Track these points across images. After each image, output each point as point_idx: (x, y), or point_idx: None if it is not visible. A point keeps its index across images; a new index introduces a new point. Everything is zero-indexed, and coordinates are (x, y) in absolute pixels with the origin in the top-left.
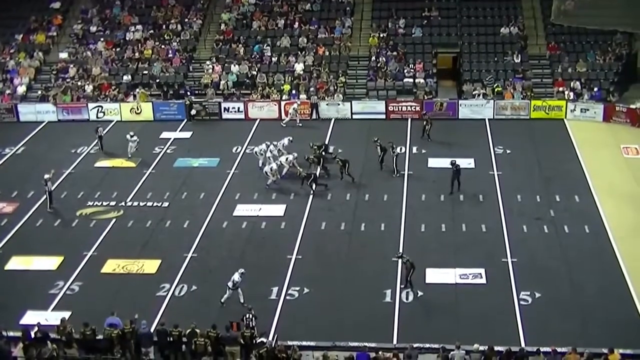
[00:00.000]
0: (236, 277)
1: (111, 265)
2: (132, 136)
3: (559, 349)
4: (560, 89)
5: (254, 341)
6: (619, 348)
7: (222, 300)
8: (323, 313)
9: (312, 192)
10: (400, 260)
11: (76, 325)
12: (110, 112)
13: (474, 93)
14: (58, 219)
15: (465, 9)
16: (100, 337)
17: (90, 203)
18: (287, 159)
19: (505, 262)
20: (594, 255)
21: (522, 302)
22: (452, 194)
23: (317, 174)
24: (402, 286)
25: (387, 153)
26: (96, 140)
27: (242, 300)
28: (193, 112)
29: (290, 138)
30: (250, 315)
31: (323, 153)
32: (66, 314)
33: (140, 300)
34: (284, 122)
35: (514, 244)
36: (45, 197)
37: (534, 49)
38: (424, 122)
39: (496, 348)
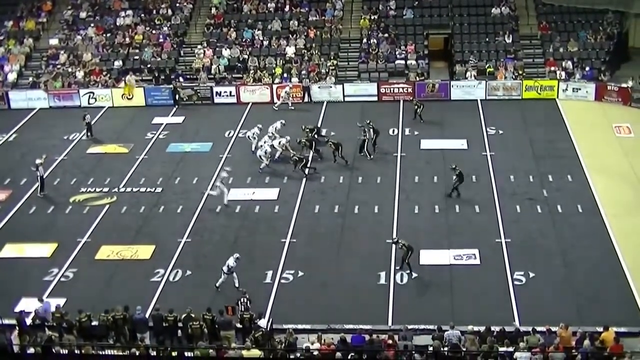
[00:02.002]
0: (231, 261)
1: (105, 252)
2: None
3: (553, 328)
4: (552, 68)
5: (252, 324)
6: (613, 326)
7: (217, 285)
8: (317, 296)
9: (305, 176)
10: (395, 246)
11: (71, 312)
12: (102, 98)
13: (467, 75)
14: (51, 205)
15: None
16: (95, 323)
17: (83, 189)
18: (279, 142)
19: (499, 243)
20: (587, 234)
21: (516, 282)
22: (450, 197)
23: (310, 157)
24: (398, 268)
25: (378, 135)
26: (85, 128)
27: (236, 285)
28: (178, 97)
29: (283, 121)
30: (245, 299)
31: (315, 136)
32: (61, 301)
33: (135, 286)
34: (276, 105)
35: (507, 224)
36: (37, 183)
37: (526, 29)
38: (415, 106)
39: (491, 328)
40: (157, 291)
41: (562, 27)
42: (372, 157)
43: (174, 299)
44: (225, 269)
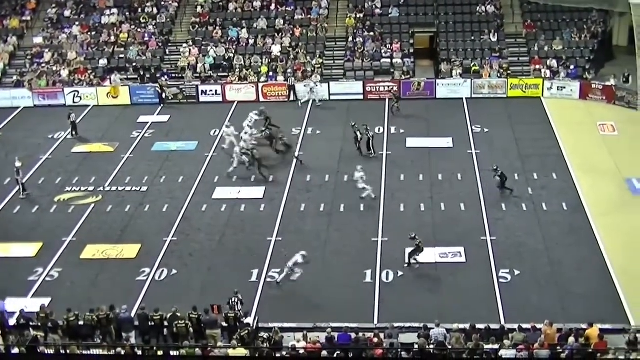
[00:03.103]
0: (299, 258)
1: (91, 251)
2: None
3: (538, 326)
4: (537, 67)
5: (238, 323)
6: (598, 323)
7: (279, 281)
8: (303, 294)
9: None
10: (414, 242)
11: (56, 312)
12: (87, 96)
13: (452, 73)
14: (36, 205)
15: None
16: (81, 323)
17: (68, 189)
18: (250, 134)
19: (484, 241)
20: (572, 232)
21: (501, 280)
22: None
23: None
24: (407, 265)
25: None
26: (70, 127)
27: (279, 280)
28: (164, 95)
29: (257, 112)
30: (236, 299)
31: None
32: (46, 301)
33: (121, 285)
34: (301, 102)
35: (492, 222)
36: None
37: (511, 27)
38: (392, 99)
39: (476, 326)
40: (142, 290)
41: (547, 25)
42: (374, 154)
43: (160, 298)
44: (290, 264)
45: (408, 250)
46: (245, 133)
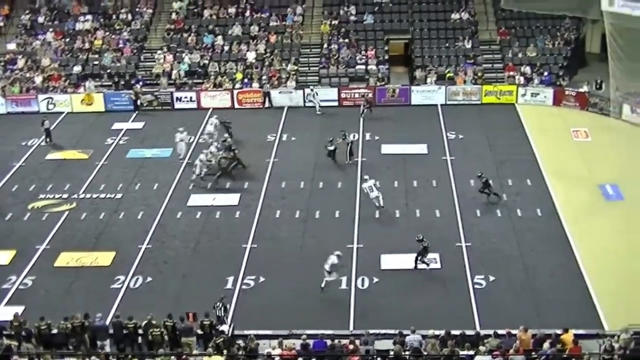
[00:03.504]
0: (334, 259)
1: (65, 259)
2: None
3: (513, 331)
4: (511, 73)
5: (213, 331)
6: (572, 328)
7: (322, 286)
8: (279, 301)
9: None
10: (421, 244)
11: (30, 320)
12: (61, 103)
13: (427, 80)
14: (9, 212)
15: None
16: (55, 331)
17: (42, 196)
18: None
19: (459, 247)
20: (547, 238)
21: (476, 286)
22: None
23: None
24: (414, 267)
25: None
26: (43, 134)
27: (322, 285)
28: (138, 102)
29: (216, 121)
30: (220, 304)
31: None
32: (19, 309)
33: (95, 293)
34: (318, 111)
35: (467, 228)
36: None
37: (485, 34)
38: (364, 104)
39: (452, 332)
40: (117, 298)
41: (521, 32)
42: (350, 161)
43: (135, 306)
44: (327, 267)
45: (414, 254)
46: (212, 143)
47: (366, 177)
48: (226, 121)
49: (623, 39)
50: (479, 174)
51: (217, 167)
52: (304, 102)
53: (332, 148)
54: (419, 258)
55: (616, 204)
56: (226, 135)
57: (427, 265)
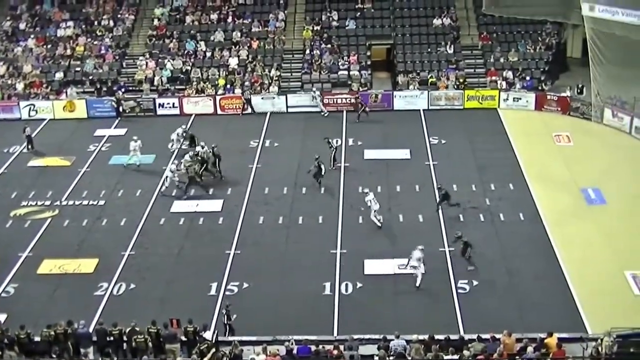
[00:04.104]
0: (418, 254)
1: (48, 266)
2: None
3: (497, 336)
4: (493, 78)
5: (197, 337)
6: (556, 332)
7: (418, 284)
8: (263, 307)
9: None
10: (460, 241)
11: (12, 328)
12: (43, 110)
13: (409, 85)
14: None
15: (398, 0)
16: (37, 339)
17: (24, 203)
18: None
19: (442, 252)
20: (529, 242)
21: (460, 291)
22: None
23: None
24: (472, 268)
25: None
26: (25, 141)
27: (418, 284)
28: (121, 109)
29: (184, 126)
30: (225, 311)
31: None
32: (2, 317)
33: (78, 300)
34: (324, 114)
35: (450, 233)
36: None
37: (467, 39)
38: (359, 106)
39: (436, 337)
40: (100, 305)
41: (503, 37)
42: (334, 167)
43: (118, 313)
44: (414, 263)
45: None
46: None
47: (366, 190)
48: (188, 133)
49: (604, 44)
50: (439, 186)
51: (186, 176)
52: (287, 107)
53: (315, 168)
54: (467, 255)
55: (598, 207)
56: (197, 147)
57: (472, 266)
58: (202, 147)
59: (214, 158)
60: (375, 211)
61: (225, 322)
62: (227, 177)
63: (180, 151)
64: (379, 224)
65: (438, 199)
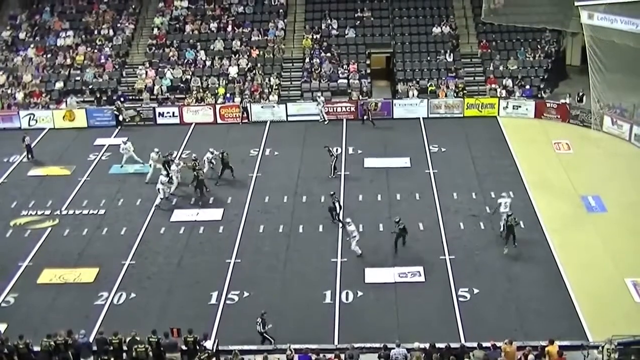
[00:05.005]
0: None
1: (48, 275)
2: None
3: (498, 344)
4: (493, 86)
5: (197, 347)
6: (557, 339)
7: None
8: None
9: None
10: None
11: (12, 338)
12: (43, 119)
13: (409, 93)
14: None
15: (397, 9)
16: (37, 349)
17: (24, 212)
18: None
19: (443, 260)
20: (530, 249)
21: (460, 299)
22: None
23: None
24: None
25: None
26: (25, 150)
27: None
28: (121, 118)
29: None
30: (260, 320)
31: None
32: (2, 327)
33: (78, 310)
34: (325, 121)
35: (451, 241)
36: None
37: (466, 47)
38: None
39: (437, 345)
40: (101, 314)
41: (502, 45)
42: (334, 175)
43: (119, 322)
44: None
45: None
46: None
47: (348, 220)
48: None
49: (603, 52)
50: (397, 220)
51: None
52: (287, 116)
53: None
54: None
55: (598, 215)
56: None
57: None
58: (212, 153)
59: (222, 165)
60: (357, 241)
61: (261, 330)
62: (226, 186)
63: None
64: (359, 252)
65: (395, 232)
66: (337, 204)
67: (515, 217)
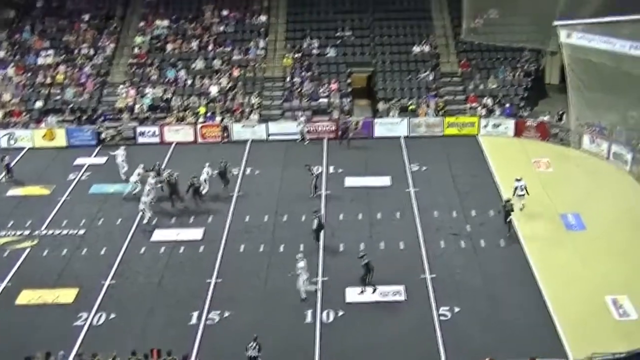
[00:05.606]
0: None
1: (26, 296)
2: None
3: None
4: (473, 105)
5: None
6: (538, 357)
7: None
8: (244, 336)
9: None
10: (361, 260)
11: None
12: (22, 139)
13: (390, 112)
14: None
15: (378, 28)
16: None
17: (3, 233)
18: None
19: (424, 279)
20: (510, 268)
21: (442, 318)
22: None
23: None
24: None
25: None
26: (4, 170)
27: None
28: (102, 136)
29: (141, 171)
30: (255, 344)
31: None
32: None
33: (58, 331)
34: (306, 141)
35: (432, 260)
36: None
37: (446, 66)
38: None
39: None
40: (80, 335)
41: (482, 64)
42: (314, 195)
43: (98, 343)
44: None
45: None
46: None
47: (299, 255)
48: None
49: (581, 70)
50: (361, 255)
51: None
52: (267, 135)
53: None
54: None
55: (578, 233)
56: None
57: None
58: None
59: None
60: (304, 280)
61: (255, 355)
62: (207, 205)
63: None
64: (303, 296)
65: (363, 266)
66: (316, 222)
67: (513, 204)
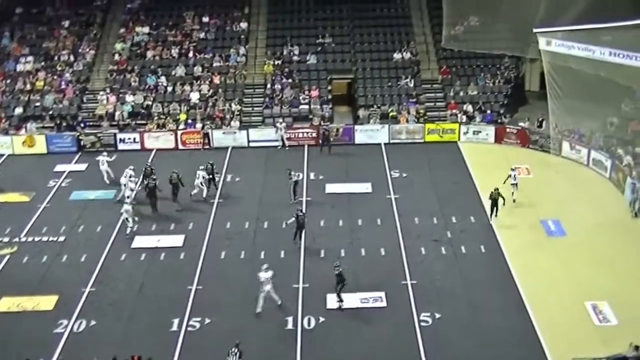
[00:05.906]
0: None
1: (6, 304)
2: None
3: None
4: (453, 112)
5: None
6: None
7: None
8: (225, 343)
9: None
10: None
11: None
12: (2, 145)
13: (370, 119)
14: None
15: (358, 35)
16: None
17: None
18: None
19: (405, 285)
20: (491, 273)
21: (422, 324)
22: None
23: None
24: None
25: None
26: None
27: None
28: (82, 143)
29: (131, 172)
30: (236, 350)
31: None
32: None
33: (37, 338)
34: (286, 147)
35: (412, 266)
36: None
37: (427, 73)
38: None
39: None
40: (60, 343)
41: (462, 71)
42: (295, 200)
43: (79, 350)
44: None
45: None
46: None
47: (265, 265)
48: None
49: (560, 77)
50: (336, 264)
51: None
52: (248, 142)
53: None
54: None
55: (558, 239)
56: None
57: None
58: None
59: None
60: (267, 291)
61: None
62: (188, 212)
63: (196, 196)
64: (259, 309)
65: (336, 276)
66: (293, 218)
67: (500, 192)
